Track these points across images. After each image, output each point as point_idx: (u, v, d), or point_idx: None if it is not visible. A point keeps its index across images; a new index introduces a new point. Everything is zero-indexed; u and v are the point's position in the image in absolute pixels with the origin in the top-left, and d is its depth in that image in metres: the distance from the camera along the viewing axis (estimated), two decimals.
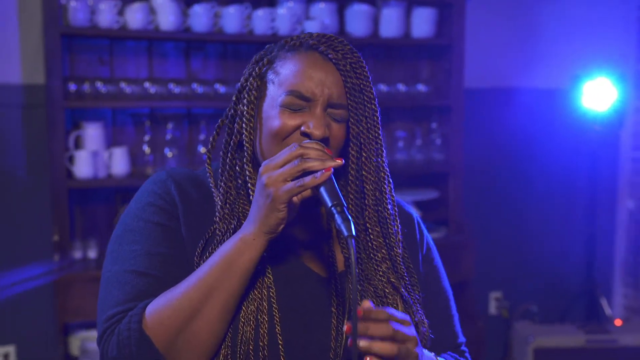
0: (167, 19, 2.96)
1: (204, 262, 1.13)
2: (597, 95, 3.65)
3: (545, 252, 3.97)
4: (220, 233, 1.15)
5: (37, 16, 2.99)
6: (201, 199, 1.20)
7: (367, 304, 1.02)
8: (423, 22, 3.33)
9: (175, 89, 3.07)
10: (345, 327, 1.00)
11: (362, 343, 0.98)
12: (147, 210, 1.17)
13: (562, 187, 3.97)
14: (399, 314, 1.04)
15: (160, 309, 1.07)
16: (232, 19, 3.03)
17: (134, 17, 2.93)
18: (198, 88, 3.09)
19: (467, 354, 1.33)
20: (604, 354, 3.30)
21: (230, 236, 1.15)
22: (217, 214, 1.17)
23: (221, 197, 1.18)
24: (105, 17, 2.90)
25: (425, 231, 1.36)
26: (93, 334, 3.08)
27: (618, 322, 3.57)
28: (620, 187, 4.13)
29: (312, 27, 3.12)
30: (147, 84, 3.04)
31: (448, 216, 3.48)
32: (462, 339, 1.34)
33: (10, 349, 3.12)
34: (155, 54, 3.18)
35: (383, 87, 3.38)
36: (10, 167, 3.07)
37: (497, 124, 3.78)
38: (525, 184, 3.90)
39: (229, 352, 1.10)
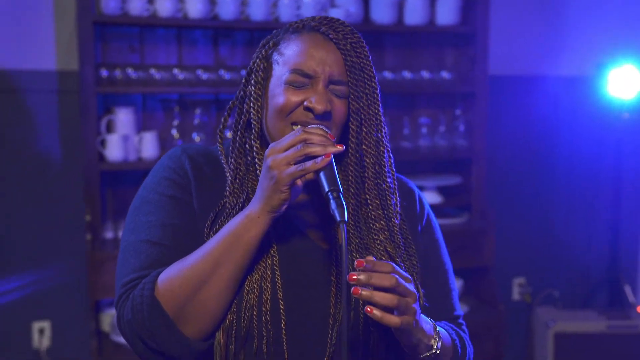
0: (195, 7, 3.03)
1: (213, 233, 1.20)
2: (623, 82, 3.63)
3: (569, 240, 3.99)
4: (230, 206, 1.23)
5: (71, 5, 3.09)
6: (213, 174, 1.27)
7: (371, 258, 1.08)
8: (447, 10, 3.36)
9: (204, 75, 3.14)
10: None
11: (364, 292, 1.03)
12: (162, 183, 1.25)
13: (587, 174, 3.98)
14: (402, 271, 1.09)
15: (171, 277, 1.14)
16: (258, 7, 3.09)
17: (164, 5, 3.00)
18: (225, 74, 3.17)
19: (464, 327, 1.38)
20: (624, 339, 3.32)
21: (239, 210, 1.22)
22: (227, 188, 1.25)
23: (231, 172, 1.25)
24: (136, 6, 2.98)
25: (426, 206, 1.41)
26: None
27: None
28: None
29: (336, 14, 3.17)
30: (176, 71, 3.12)
31: (471, 202, 3.52)
32: (459, 312, 1.39)
33: (46, 324, 3.24)
34: (184, 41, 3.25)
35: (407, 75, 3.42)
36: (46, 150, 3.18)
37: (521, 111, 3.80)
38: (549, 171, 3.91)
39: (234, 317, 1.17)
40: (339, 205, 1.07)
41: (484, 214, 3.48)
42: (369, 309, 1.04)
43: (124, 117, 3.10)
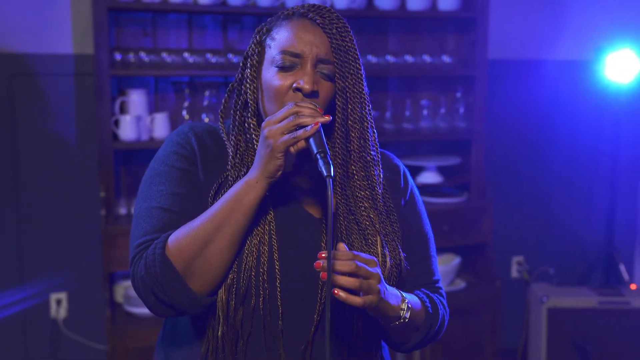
0: None
1: (217, 201, 1.34)
2: (621, 66, 3.69)
3: (567, 219, 4.10)
4: (232, 179, 1.36)
5: None
6: (216, 149, 1.41)
7: (341, 245, 1.23)
8: None
9: (213, 59, 3.26)
10: (315, 264, 1.20)
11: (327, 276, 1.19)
12: (171, 157, 1.38)
13: (584, 156, 4.08)
14: (364, 255, 1.24)
15: (180, 238, 1.28)
16: None
17: None
18: (234, 58, 3.28)
19: (441, 290, 1.51)
20: (615, 315, 3.43)
21: None
22: (229, 162, 1.38)
23: (232, 148, 1.39)
24: None
25: (410, 181, 1.54)
26: None
27: (633, 287, 3.69)
28: None
29: (341, 0, 3.28)
30: (186, 54, 3.24)
31: (470, 181, 3.64)
32: (437, 276, 1.52)
33: (62, 296, 3.39)
34: (195, 26, 3.37)
35: (409, 58, 3.52)
36: (62, 130, 3.31)
37: (519, 95, 3.89)
38: (547, 153, 4.01)
39: (235, 277, 1.31)
40: (326, 163, 1.21)
41: (482, 193, 3.60)
42: (335, 292, 1.19)
43: (136, 99, 3.22)
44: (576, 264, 4.10)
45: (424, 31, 3.70)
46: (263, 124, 1.27)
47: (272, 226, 1.34)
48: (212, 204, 1.35)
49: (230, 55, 3.29)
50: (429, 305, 1.42)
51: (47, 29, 3.24)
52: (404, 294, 1.35)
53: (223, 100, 1.46)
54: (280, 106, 1.31)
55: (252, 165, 1.34)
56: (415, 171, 3.60)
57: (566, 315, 3.45)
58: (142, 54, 3.19)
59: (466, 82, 3.63)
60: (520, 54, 3.89)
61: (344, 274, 1.19)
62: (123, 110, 3.23)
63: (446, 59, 3.58)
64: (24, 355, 3.39)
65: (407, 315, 1.33)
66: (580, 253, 4.12)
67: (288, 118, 1.24)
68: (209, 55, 3.27)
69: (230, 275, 1.32)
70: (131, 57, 3.18)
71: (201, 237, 1.27)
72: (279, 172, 1.27)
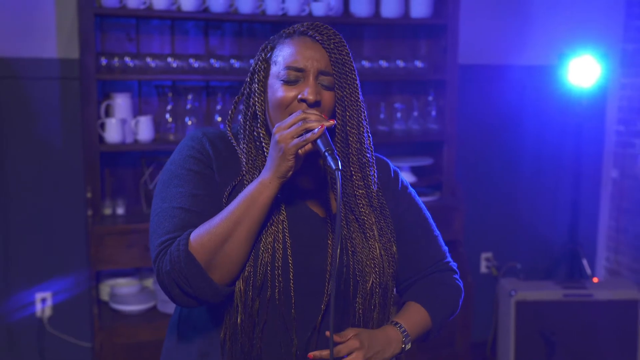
0: (188, 0, 3.23)
1: (232, 201, 1.46)
2: (583, 71, 3.87)
3: (533, 217, 4.26)
4: (247, 182, 1.49)
5: None
6: (228, 153, 1.54)
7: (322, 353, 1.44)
8: (421, 3, 3.58)
9: (195, 63, 3.35)
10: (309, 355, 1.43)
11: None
12: (188, 161, 1.50)
13: (549, 156, 4.24)
14: (344, 338, 1.45)
15: (201, 234, 1.40)
16: (246, 1, 3.29)
17: None
18: (215, 63, 3.38)
19: (451, 264, 1.67)
20: (579, 306, 3.61)
21: None
22: (243, 167, 1.51)
23: (245, 155, 1.52)
24: None
25: (400, 174, 1.70)
26: (121, 281, 3.43)
27: (595, 280, 3.88)
28: (605, 158, 4.42)
29: (318, 8, 3.40)
30: (169, 59, 3.32)
31: (442, 181, 3.78)
32: (446, 253, 1.68)
33: (48, 295, 3.45)
34: (178, 32, 3.46)
35: (384, 63, 3.65)
36: (48, 133, 3.37)
37: (489, 98, 4.04)
38: (515, 154, 4.16)
39: (252, 270, 1.44)
40: (334, 159, 1.35)
41: (454, 192, 3.75)
42: None
43: (121, 102, 3.30)
44: (542, 259, 4.27)
45: (397, 37, 3.83)
46: (274, 130, 1.40)
47: (285, 225, 1.47)
48: (226, 204, 1.47)
49: (213, 60, 3.38)
50: (430, 308, 1.58)
51: (32, 33, 3.30)
52: (400, 325, 1.53)
53: (230, 111, 1.59)
54: (286, 115, 1.45)
55: (263, 168, 1.46)
56: None
57: (533, 307, 3.61)
58: (127, 59, 3.27)
59: (438, 86, 3.76)
60: (489, 59, 4.03)
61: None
62: (108, 113, 3.31)
63: (419, 64, 3.71)
64: (10, 355, 3.44)
65: (409, 345, 1.53)
66: (545, 249, 4.30)
67: (297, 123, 1.37)
68: (191, 60, 3.35)
69: (247, 269, 1.44)
70: (116, 61, 3.25)
71: (221, 233, 1.39)
72: (290, 172, 1.40)
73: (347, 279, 1.50)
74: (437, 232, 1.69)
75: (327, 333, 1.43)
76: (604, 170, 4.41)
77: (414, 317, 1.56)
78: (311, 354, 1.43)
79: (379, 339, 1.49)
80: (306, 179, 1.53)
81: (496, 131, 4.11)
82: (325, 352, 1.43)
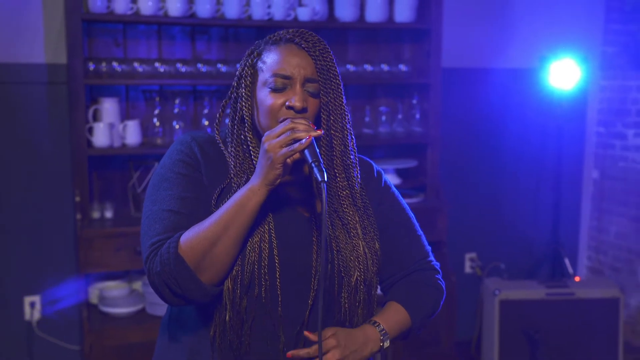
0: (175, 5, 3.27)
1: (220, 204, 1.50)
2: (563, 74, 3.95)
3: (516, 218, 4.32)
4: (235, 186, 1.54)
5: (59, 3, 3.31)
6: (216, 156, 1.58)
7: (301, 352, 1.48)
8: (405, 8, 3.64)
9: (182, 68, 3.39)
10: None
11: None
12: (177, 165, 1.55)
13: (531, 158, 4.31)
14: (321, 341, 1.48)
15: (191, 238, 1.44)
16: (232, 6, 3.34)
17: (146, 4, 3.24)
18: (202, 68, 3.41)
19: (433, 264, 1.71)
20: (561, 305, 3.67)
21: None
22: (231, 170, 1.56)
23: (232, 158, 1.56)
24: (121, 4, 3.21)
25: (383, 174, 1.74)
26: (110, 284, 3.46)
27: (577, 279, 3.95)
28: (585, 159, 4.49)
29: (304, 13, 3.45)
30: (157, 64, 3.35)
31: (426, 183, 3.83)
32: (429, 252, 1.71)
33: (36, 298, 3.48)
34: (165, 37, 3.50)
35: (368, 67, 3.70)
36: (37, 138, 3.39)
37: (471, 101, 4.10)
38: (498, 155, 4.23)
39: (239, 270, 1.48)
40: (320, 170, 1.40)
41: (438, 194, 3.80)
42: None
43: (109, 107, 3.33)
44: (525, 259, 4.34)
45: (381, 42, 3.88)
46: (263, 139, 1.44)
47: (272, 226, 1.52)
48: (214, 206, 1.52)
49: (199, 65, 3.42)
50: (410, 308, 1.62)
51: (20, 39, 3.33)
52: (378, 324, 1.57)
53: (217, 115, 1.64)
54: (274, 122, 1.50)
55: (251, 172, 1.52)
56: None
57: (516, 306, 3.67)
58: (114, 64, 3.30)
59: (422, 89, 3.81)
60: (471, 62, 4.09)
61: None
62: (96, 117, 3.33)
63: (403, 67, 3.77)
64: None
65: (387, 343, 1.56)
66: (528, 249, 4.37)
67: (285, 133, 1.42)
68: (178, 65, 3.39)
69: (235, 268, 1.49)
70: (103, 66, 3.29)
71: (210, 237, 1.44)
72: (278, 180, 1.44)
73: (332, 276, 1.54)
74: (420, 232, 1.73)
75: (306, 333, 1.48)
76: (584, 171, 4.49)
77: (393, 316, 1.61)
78: (289, 354, 1.48)
79: (356, 338, 1.53)
80: (292, 181, 1.58)
81: (479, 133, 4.18)
82: (303, 352, 1.47)
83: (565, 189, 4.32)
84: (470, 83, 4.10)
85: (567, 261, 4.12)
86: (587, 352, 3.68)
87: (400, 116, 3.84)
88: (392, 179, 3.78)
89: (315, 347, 1.47)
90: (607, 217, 4.39)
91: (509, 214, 4.32)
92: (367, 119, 3.81)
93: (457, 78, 4.03)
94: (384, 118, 3.82)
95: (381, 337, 1.56)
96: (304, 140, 1.40)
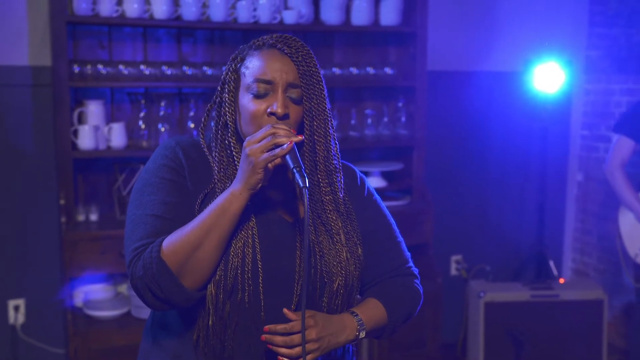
0: (160, 8, 3.26)
1: (204, 208, 1.50)
2: (548, 78, 3.97)
3: (501, 220, 4.35)
4: (219, 190, 1.54)
5: (44, 5, 3.29)
6: (200, 161, 1.58)
7: (279, 326, 1.45)
8: (390, 11, 3.66)
9: (168, 71, 3.38)
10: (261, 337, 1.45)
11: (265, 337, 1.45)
12: (161, 169, 1.55)
13: (516, 161, 4.34)
14: (299, 322, 1.46)
15: (173, 242, 1.44)
16: (218, 9, 3.34)
17: (131, 7, 3.23)
18: (188, 70, 3.41)
19: (412, 270, 1.72)
20: (546, 306, 3.70)
21: None
22: (215, 175, 1.56)
23: (217, 163, 1.56)
24: (106, 7, 3.20)
25: (366, 181, 1.75)
26: (95, 287, 3.45)
27: (561, 281, 3.98)
28: (570, 162, 4.53)
29: (289, 16, 3.45)
30: (142, 66, 3.35)
31: (412, 186, 3.85)
32: (408, 259, 1.72)
33: (20, 302, 3.45)
34: (150, 40, 3.49)
35: (354, 70, 3.71)
36: (21, 140, 3.37)
37: (457, 103, 4.12)
38: (483, 158, 4.25)
39: (222, 274, 1.49)
40: (302, 176, 1.40)
41: (423, 196, 3.82)
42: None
43: (94, 109, 3.32)
44: (510, 261, 4.36)
45: (367, 45, 3.90)
46: (244, 144, 1.44)
47: (255, 230, 1.52)
48: (199, 211, 1.52)
49: (185, 68, 3.42)
50: (388, 306, 1.62)
51: (4, 41, 3.31)
52: (357, 314, 1.57)
53: (202, 119, 1.64)
54: (257, 128, 1.50)
55: (234, 177, 1.51)
56: None
57: (502, 308, 3.69)
58: (99, 66, 3.29)
59: (407, 92, 3.83)
60: (457, 65, 4.11)
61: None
62: (81, 120, 3.32)
63: (388, 70, 3.78)
64: None
65: (363, 333, 1.56)
66: (513, 251, 4.39)
67: (266, 138, 1.42)
68: (164, 68, 3.38)
69: (218, 273, 1.49)
70: (88, 69, 3.28)
71: (192, 241, 1.44)
72: (259, 185, 1.45)
73: (314, 281, 1.55)
74: (401, 238, 1.74)
75: (285, 310, 1.47)
76: (569, 174, 4.52)
77: (371, 310, 1.61)
78: (266, 327, 1.46)
79: (334, 323, 1.52)
80: (274, 186, 1.58)
81: (464, 136, 4.20)
82: (280, 327, 1.45)
83: (550, 192, 4.35)
84: (456, 86, 4.13)
85: (551, 263, 4.15)
86: (571, 353, 3.71)
87: (386, 119, 3.86)
88: (378, 182, 3.80)
89: (292, 323, 1.45)
90: (591, 219, 4.43)
91: (495, 216, 4.34)
92: (353, 122, 3.82)
93: (443, 81, 4.05)
94: (370, 121, 3.83)
95: (358, 327, 1.56)
96: (285, 145, 1.41)
